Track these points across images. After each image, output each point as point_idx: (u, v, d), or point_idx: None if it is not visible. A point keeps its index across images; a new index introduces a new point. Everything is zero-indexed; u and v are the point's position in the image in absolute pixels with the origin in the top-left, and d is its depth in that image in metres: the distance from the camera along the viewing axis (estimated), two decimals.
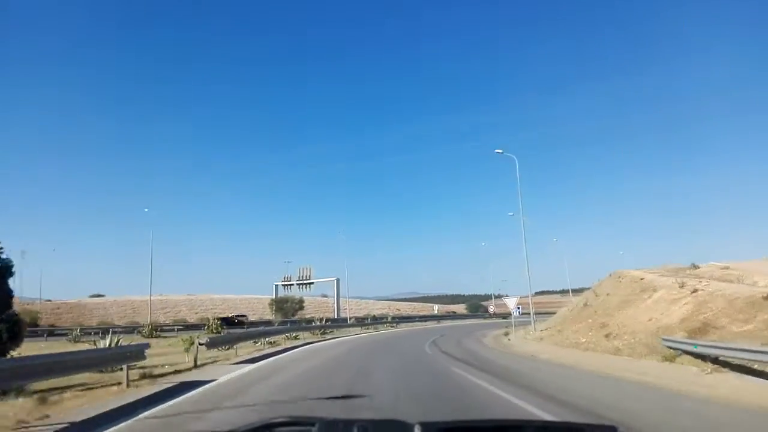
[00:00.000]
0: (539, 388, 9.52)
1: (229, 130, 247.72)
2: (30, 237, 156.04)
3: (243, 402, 7.97)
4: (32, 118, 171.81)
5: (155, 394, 9.08)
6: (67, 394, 8.82)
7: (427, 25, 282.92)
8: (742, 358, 9.87)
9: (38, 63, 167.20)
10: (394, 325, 48.43)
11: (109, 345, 13.26)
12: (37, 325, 42.99)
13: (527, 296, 38.85)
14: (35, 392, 8.57)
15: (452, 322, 60.01)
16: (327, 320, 43.07)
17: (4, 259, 11.12)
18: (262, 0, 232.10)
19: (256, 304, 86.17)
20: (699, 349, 11.32)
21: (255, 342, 22.07)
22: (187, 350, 16.34)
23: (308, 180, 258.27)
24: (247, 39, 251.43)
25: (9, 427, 6.28)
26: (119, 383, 10.00)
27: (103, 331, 32.30)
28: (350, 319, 51.09)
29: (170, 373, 12.33)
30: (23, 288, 54.14)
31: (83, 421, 6.72)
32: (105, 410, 7.43)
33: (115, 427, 6.24)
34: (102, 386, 9.98)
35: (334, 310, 71.91)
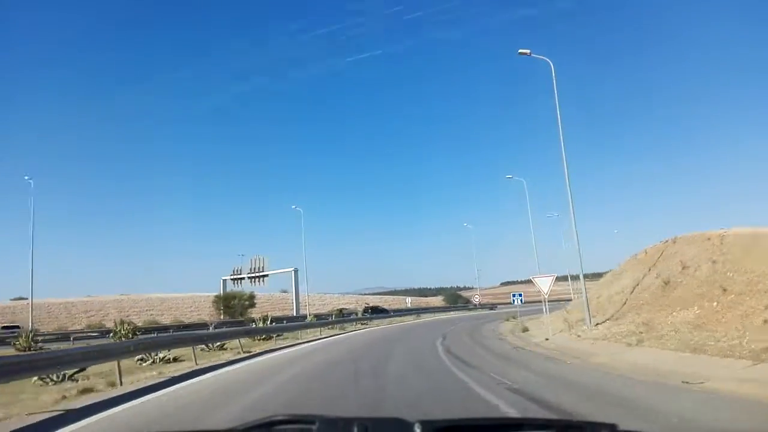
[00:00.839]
0: None
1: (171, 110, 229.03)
2: None
3: None
4: None
5: None
6: None
7: None
8: None
9: None
10: (366, 322, 37.98)
11: None
12: None
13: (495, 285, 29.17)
14: None
15: (434, 316, 50.27)
16: (274, 319, 32.11)
17: None
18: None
19: (202, 302, 73.90)
20: None
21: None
22: None
23: (265, 170, 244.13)
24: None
25: None
26: None
27: None
28: (309, 316, 40.21)
29: None
30: None
31: None
32: None
33: None
34: None
35: (293, 306, 60.90)
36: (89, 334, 35.00)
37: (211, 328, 37.47)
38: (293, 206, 49.43)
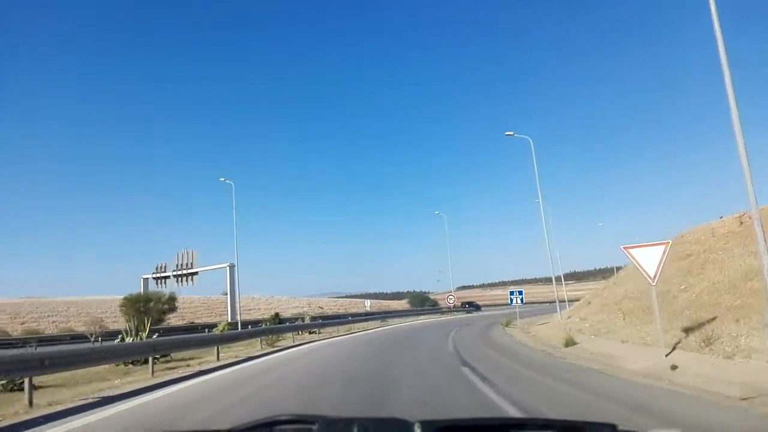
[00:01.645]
0: None
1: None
2: None
3: None
4: None
5: None
6: None
7: None
8: None
9: None
10: (317, 331, 27.58)
11: None
12: None
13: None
14: None
15: (405, 321, 40.43)
16: (184, 329, 21.33)
17: None
18: None
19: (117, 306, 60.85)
20: None
21: None
22: None
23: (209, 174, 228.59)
24: None
25: None
26: None
27: None
28: (221, 325, 29.33)
29: None
30: None
31: None
32: None
33: None
34: None
35: (227, 311, 49.53)
36: None
37: (94, 341, 25.86)
38: (222, 179, 38.24)
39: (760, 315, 10.53)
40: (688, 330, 11.50)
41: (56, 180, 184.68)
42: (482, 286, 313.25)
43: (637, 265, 10.88)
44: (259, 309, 74.01)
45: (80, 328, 42.24)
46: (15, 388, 10.24)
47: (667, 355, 10.23)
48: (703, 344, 10.17)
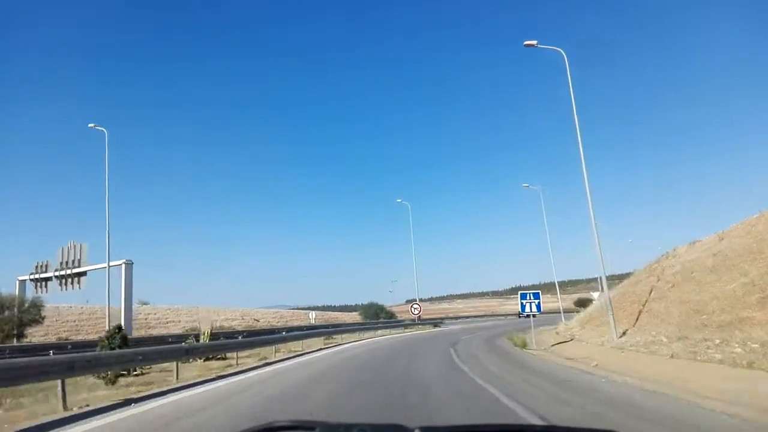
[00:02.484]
0: None
1: None
2: None
3: None
4: None
5: None
6: None
7: None
8: None
9: None
10: (225, 356, 16.99)
11: None
12: None
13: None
14: None
15: (359, 339, 30.07)
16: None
17: None
18: None
19: None
20: None
21: None
22: None
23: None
24: None
25: None
26: None
27: None
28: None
29: None
30: None
31: None
32: None
33: None
34: None
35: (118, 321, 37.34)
36: None
37: None
38: (91, 125, 26.94)
39: None
40: None
41: None
42: (432, 299, 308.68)
43: None
44: (179, 321, 61.37)
45: None
46: None
47: None
48: None
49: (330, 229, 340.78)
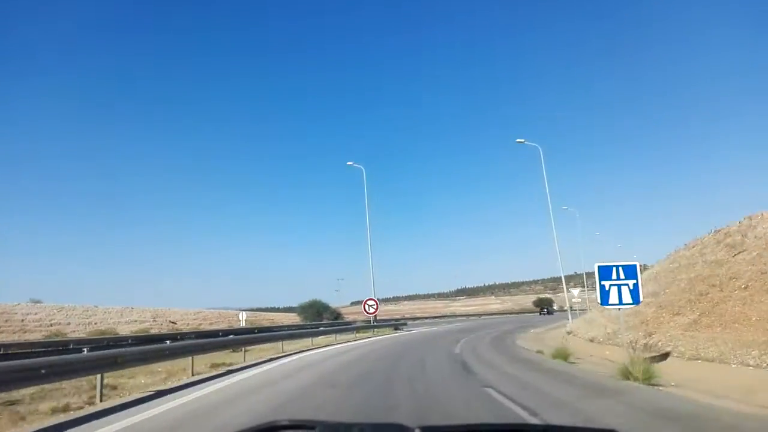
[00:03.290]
0: None
1: None
2: None
3: None
4: None
5: None
6: None
7: None
8: None
9: None
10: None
11: None
12: None
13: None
14: None
15: (297, 346, 19.94)
16: None
17: None
18: None
19: None
20: None
21: None
22: None
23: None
24: None
25: None
26: None
27: None
28: None
29: None
30: None
31: None
32: None
33: None
34: None
35: None
36: None
37: None
38: None
39: None
40: None
41: None
42: (378, 300, 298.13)
43: None
44: (68, 324, 48.35)
45: None
46: None
47: None
48: None
49: (272, 225, 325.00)
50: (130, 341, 24.03)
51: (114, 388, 10.03)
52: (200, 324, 59.08)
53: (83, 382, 10.21)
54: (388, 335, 29.02)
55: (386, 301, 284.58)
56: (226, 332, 30.00)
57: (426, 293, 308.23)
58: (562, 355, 12.19)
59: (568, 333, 23.23)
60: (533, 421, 5.86)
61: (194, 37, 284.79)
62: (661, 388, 8.17)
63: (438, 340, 23.18)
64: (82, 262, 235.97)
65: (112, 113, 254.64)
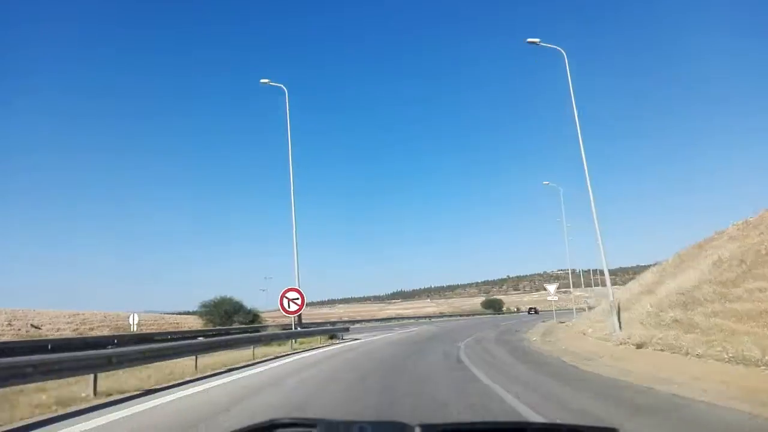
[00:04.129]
0: None
1: None
2: None
3: None
4: None
5: None
6: None
7: None
8: None
9: None
10: None
11: None
12: None
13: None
14: None
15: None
16: None
17: None
18: None
19: None
20: None
21: None
22: None
23: None
24: None
25: None
26: None
27: None
28: None
29: None
30: None
31: None
32: None
33: None
34: None
35: None
36: None
37: None
38: None
39: None
40: None
41: None
42: (313, 304, 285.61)
43: None
44: None
45: None
46: None
47: None
48: None
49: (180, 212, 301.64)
50: None
51: None
52: (76, 329, 45.60)
53: None
54: (323, 349, 18.65)
55: (321, 304, 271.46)
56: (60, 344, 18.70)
57: (362, 296, 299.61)
58: None
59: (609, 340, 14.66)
60: None
61: None
62: None
63: (439, 374, 11.25)
64: None
65: None
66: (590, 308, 41.31)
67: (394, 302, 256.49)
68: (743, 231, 17.71)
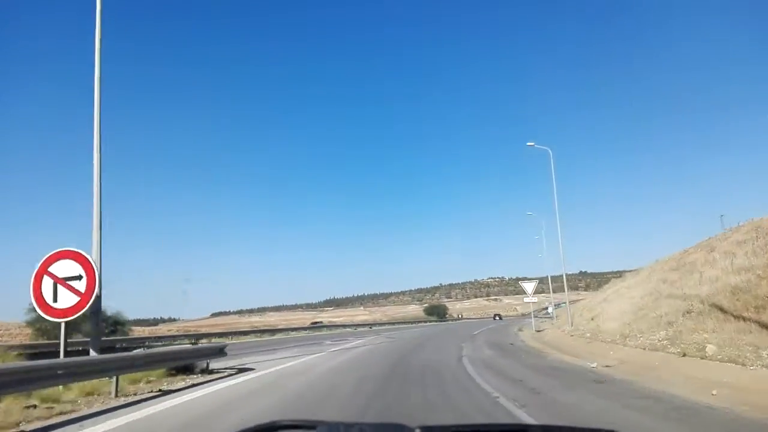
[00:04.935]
0: None
1: None
2: None
3: None
4: None
5: None
6: None
7: None
8: None
9: None
10: None
11: None
12: None
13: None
14: None
15: None
16: None
17: None
18: None
19: None
20: None
21: None
22: None
23: None
24: None
25: None
26: None
27: None
28: None
29: None
30: None
31: None
32: None
33: None
34: None
35: None
36: None
37: None
38: None
39: None
40: None
41: None
42: (242, 311, 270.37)
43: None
44: None
45: None
46: None
47: None
48: None
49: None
50: None
51: None
52: None
53: None
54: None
55: (251, 311, 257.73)
56: None
57: (293, 303, 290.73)
58: None
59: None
60: None
61: None
62: None
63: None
64: None
65: None
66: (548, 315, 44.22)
67: (327, 309, 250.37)
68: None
